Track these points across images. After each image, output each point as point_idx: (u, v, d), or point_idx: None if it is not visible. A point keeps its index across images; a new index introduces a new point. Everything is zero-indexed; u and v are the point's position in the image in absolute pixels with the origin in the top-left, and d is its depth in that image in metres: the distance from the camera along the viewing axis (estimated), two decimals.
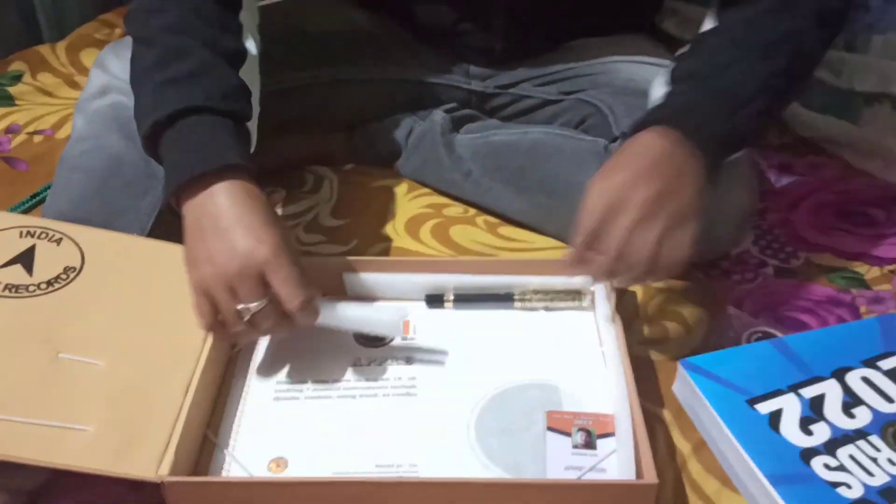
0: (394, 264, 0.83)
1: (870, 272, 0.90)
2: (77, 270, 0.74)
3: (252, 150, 0.74)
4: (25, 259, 0.74)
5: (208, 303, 0.66)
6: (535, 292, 0.81)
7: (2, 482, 0.63)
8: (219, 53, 0.72)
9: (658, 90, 0.78)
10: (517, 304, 0.81)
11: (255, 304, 0.65)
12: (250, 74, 0.76)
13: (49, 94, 1.18)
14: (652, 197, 0.66)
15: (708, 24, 0.80)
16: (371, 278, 0.83)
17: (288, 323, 0.68)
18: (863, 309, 0.85)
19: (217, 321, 0.67)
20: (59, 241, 0.76)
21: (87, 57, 1.25)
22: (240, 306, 0.65)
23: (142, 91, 0.72)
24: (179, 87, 0.69)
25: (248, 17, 0.79)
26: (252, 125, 0.74)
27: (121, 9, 1.33)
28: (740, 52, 0.74)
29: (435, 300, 0.82)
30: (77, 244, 0.76)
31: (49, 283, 0.73)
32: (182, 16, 0.72)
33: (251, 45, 0.77)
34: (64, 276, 0.73)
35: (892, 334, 0.77)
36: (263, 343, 0.78)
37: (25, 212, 0.99)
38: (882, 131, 1.03)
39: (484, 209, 0.98)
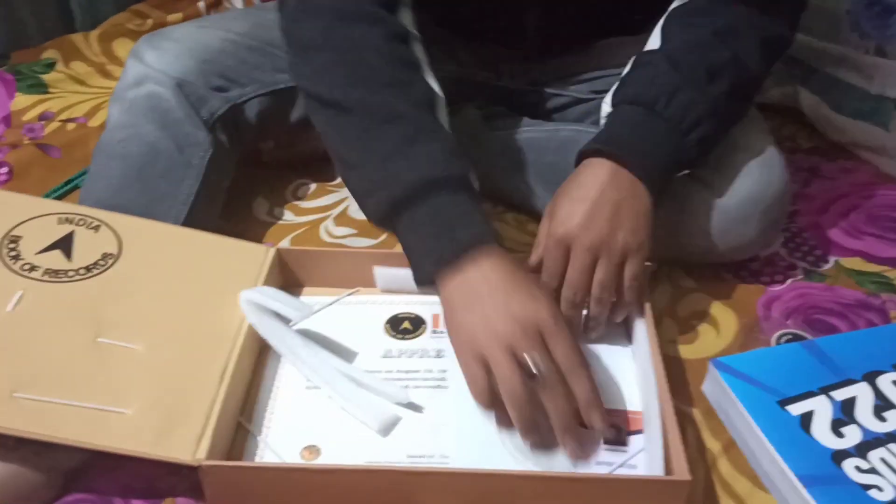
0: None
1: None
2: (115, 257, 0.75)
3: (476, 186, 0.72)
4: (64, 245, 0.75)
5: (482, 368, 0.64)
6: None
7: (41, 462, 0.64)
8: (418, 103, 0.71)
9: (606, 107, 0.79)
10: None
11: (542, 359, 0.62)
12: (443, 109, 0.75)
13: (81, 82, 1.20)
14: (599, 239, 0.70)
15: (653, 42, 0.80)
16: (402, 273, 0.83)
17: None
18: (892, 314, 0.85)
19: (491, 388, 0.64)
20: (96, 228, 0.77)
21: (119, 46, 1.26)
22: (529, 360, 0.62)
23: (360, 162, 0.71)
24: (404, 159, 0.68)
25: (409, 19, 0.77)
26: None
27: None
28: (685, 78, 0.74)
29: None
30: (114, 231, 0.77)
31: (88, 268, 0.74)
32: (359, 61, 0.71)
33: (432, 80, 0.75)
34: (102, 262, 0.74)
35: None
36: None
37: (58, 198, 1.00)
38: None
39: (514, 205, 0.98)
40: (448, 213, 0.68)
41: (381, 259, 0.84)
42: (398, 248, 0.92)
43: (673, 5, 0.83)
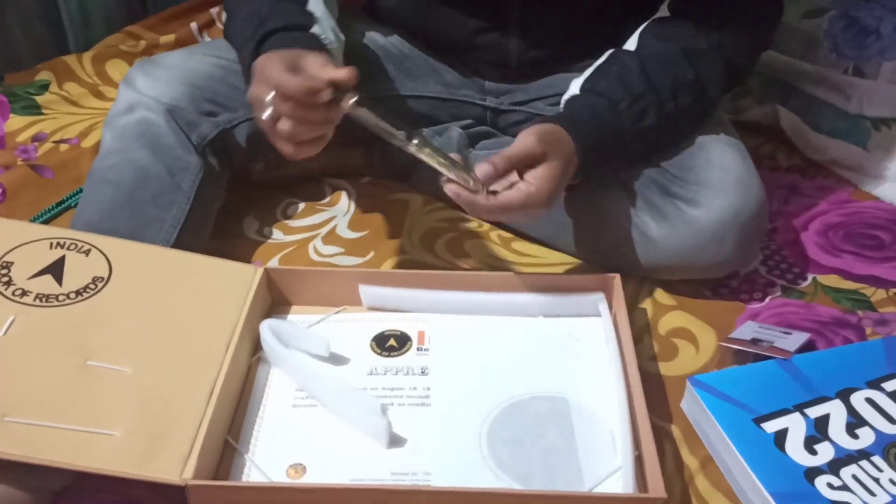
0: (409, 277, 0.85)
1: (876, 294, 0.92)
2: (105, 280, 0.77)
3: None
4: (55, 269, 0.77)
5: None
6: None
7: (29, 482, 0.66)
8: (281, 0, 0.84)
9: (574, 88, 0.88)
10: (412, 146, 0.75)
11: (267, 98, 0.72)
12: (320, 9, 0.86)
13: (75, 103, 1.21)
14: (555, 195, 0.77)
15: (629, 45, 0.88)
16: (387, 292, 0.85)
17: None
18: (868, 330, 0.87)
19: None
20: (87, 252, 0.79)
21: (112, 68, 1.28)
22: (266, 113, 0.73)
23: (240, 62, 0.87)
24: (254, 36, 0.81)
25: None
26: (329, 40, 0.84)
27: (145, 21, 1.36)
28: (650, 87, 0.83)
29: None
30: (105, 255, 0.79)
31: (78, 292, 0.75)
32: None
33: None
34: (92, 286, 0.76)
35: None
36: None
37: (51, 219, 1.02)
38: (890, 155, 1.05)
39: (498, 223, 1.00)
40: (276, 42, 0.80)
41: (367, 278, 0.85)
42: (384, 268, 0.94)
43: (655, 16, 0.88)
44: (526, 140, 0.76)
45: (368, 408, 0.73)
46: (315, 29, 0.84)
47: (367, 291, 0.85)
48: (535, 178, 0.75)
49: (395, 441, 0.73)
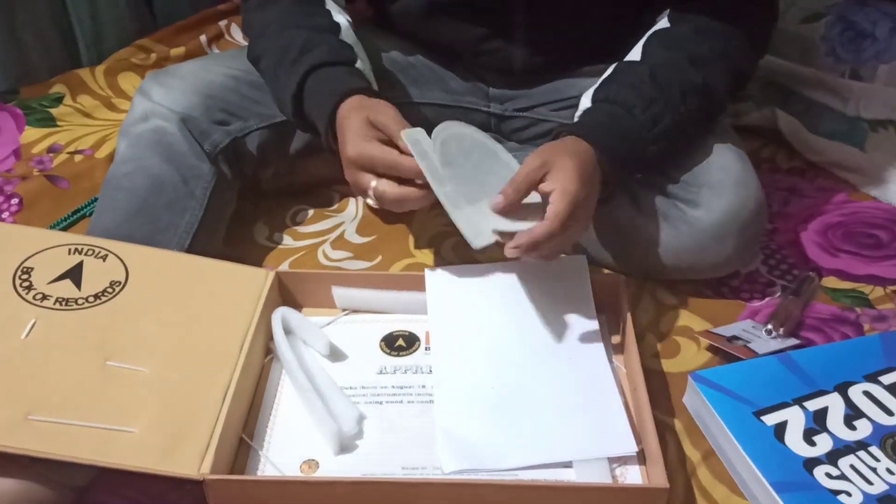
0: (411, 279, 0.87)
1: (874, 292, 0.94)
2: (122, 284, 0.79)
3: (373, 86, 0.89)
4: (74, 274, 0.79)
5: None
6: None
7: (52, 478, 0.68)
8: (316, 30, 0.89)
9: (586, 102, 0.89)
10: None
11: (372, 185, 0.78)
12: (350, 37, 0.91)
13: (88, 115, 1.24)
14: (584, 210, 0.76)
15: (633, 55, 0.89)
16: (390, 295, 0.87)
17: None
18: (866, 327, 0.89)
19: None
20: (104, 258, 0.81)
21: (124, 80, 1.30)
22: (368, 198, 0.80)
23: (274, 86, 0.91)
24: (296, 66, 0.86)
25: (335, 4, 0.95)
26: (367, 72, 0.89)
27: (156, 35, 1.38)
28: (661, 92, 0.84)
29: None
30: (121, 260, 0.81)
31: (96, 296, 0.78)
32: (282, 21, 0.91)
33: (342, 19, 0.92)
34: (110, 290, 0.78)
35: (894, 350, 0.80)
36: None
37: (67, 227, 1.04)
38: (887, 156, 1.07)
39: None
40: (324, 83, 0.85)
41: (374, 280, 0.87)
42: (392, 270, 0.96)
43: (655, 28, 0.90)
44: (526, 160, 0.76)
45: (325, 409, 0.75)
46: (358, 64, 0.87)
47: (338, 293, 0.87)
48: (550, 179, 0.74)
49: (405, 437, 0.75)
